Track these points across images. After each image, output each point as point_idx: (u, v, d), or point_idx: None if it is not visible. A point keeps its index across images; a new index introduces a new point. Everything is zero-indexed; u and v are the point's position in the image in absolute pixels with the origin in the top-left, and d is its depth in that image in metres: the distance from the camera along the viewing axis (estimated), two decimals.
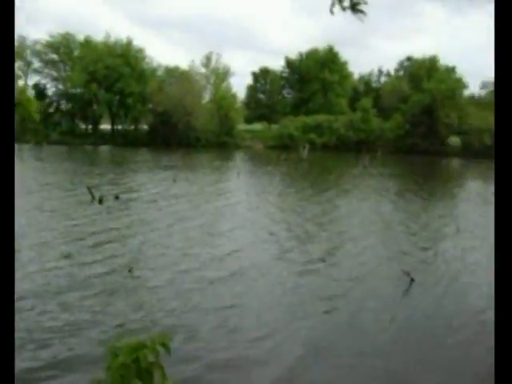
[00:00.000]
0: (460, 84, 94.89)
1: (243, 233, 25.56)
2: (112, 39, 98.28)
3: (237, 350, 12.78)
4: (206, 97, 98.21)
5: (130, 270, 18.28)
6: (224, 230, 26.22)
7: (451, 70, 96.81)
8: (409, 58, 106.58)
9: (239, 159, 74.11)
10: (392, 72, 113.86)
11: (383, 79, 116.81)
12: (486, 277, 18.85)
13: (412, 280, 17.80)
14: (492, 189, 47.41)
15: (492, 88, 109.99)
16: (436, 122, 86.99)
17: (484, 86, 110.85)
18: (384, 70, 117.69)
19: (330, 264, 20.41)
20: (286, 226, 27.38)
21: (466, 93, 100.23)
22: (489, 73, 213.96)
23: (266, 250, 22.18)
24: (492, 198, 40.46)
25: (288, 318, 14.89)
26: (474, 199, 40.55)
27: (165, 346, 3.17)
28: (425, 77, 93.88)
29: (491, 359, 12.10)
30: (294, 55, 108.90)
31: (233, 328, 13.96)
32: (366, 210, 33.08)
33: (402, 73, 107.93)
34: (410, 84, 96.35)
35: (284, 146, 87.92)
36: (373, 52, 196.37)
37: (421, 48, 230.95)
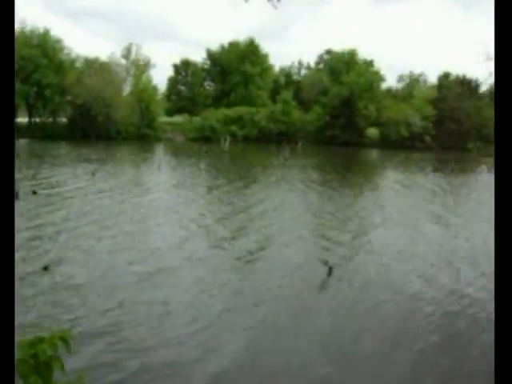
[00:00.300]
0: (378, 77, 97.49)
1: (170, 227, 25.08)
2: (28, 29, 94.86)
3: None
4: (127, 89, 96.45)
5: (45, 268, 17.64)
6: (150, 225, 25.64)
7: (369, 64, 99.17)
8: (328, 51, 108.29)
9: (160, 152, 73.44)
10: (312, 65, 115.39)
11: (303, 72, 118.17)
12: (414, 263, 19.81)
13: (330, 269, 17.99)
14: (409, 177, 49.23)
15: (408, 81, 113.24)
16: (355, 114, 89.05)
17: (400, 79, 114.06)
18: (304, 62, 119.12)
19: (258, 258, 20.55)
20: (213, 219, 27.16)
21: (384, 86, 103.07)
22: (405, 66, 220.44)
23: (194, 245, 21.89)
24: (410, 186, 41.91)
25: (209, 312, 14.91)
26: (393, 188, 41.83)
27: (64, 340, 3.16)
28: (344, 70, 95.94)
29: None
30: (215, 47, 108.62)
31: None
32: (293, 200, 33.43)
33: (321, 66, 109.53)
34: (330, 77, 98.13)
35: (205, 138, 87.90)
36: (294, 45, 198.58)
37: (340, 41, 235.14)
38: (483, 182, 51.16)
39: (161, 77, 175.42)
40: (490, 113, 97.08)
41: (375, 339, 13.37)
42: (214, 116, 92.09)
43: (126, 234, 23.17)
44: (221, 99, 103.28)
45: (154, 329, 13.41)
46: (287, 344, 12.90)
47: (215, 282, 17.06)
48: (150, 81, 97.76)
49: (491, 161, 78.07)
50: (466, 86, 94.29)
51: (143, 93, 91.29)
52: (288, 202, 32.43)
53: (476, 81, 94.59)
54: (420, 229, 26.71)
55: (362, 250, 22.05)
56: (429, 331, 13.87)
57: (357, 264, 19.91)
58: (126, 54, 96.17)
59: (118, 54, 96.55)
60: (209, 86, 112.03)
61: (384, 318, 14.63)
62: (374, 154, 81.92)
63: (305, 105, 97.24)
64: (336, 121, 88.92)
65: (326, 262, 18.24)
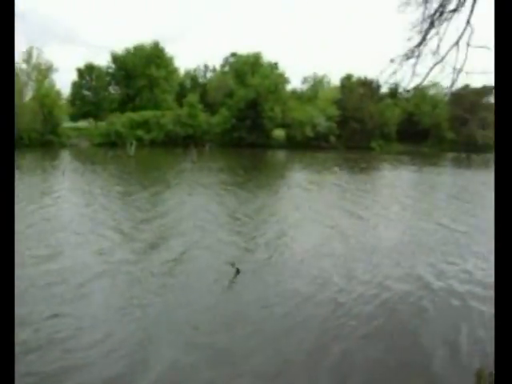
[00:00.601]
0: (282, 79, 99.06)
1: (68, 234, 24.40)
2: None
3: None
4: (29, 94, 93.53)
5: None
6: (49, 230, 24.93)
7: (274, 66, 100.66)
8: (233, 54, 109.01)
9: (65, 158, 71.62)
10: (218, 67, 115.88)
11: (209, 75, 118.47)
12: (317, 261, 20.24)
13: (238, 271, 18.20)
14: (317, 176, 50.40)
15: (312, 82, 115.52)
16: (261, 115, 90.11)
17: (305, 80, 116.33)
18: (210, 65, 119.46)
19: (153, 258, 20.41)
20: (112, 222, 26.66)
21: (289, 87, 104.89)
22: (308, 68, 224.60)
23: (87, 248, 21.49)
24: (320, 185, 42.80)
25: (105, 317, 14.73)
26: (304, 187, 42.62)
27: None
28: (249, 72, 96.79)
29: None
30: (120, 51, 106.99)
31: None
32: (205, 204, 33.22)
33: (227, 68, 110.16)
34: (236, 79, 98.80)
35: (111, 143, 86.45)
36: (199, 48, 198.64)
37: (245, 44, 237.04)
38: (387, 179, 53.24)
39: (64, 81, 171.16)
40: (390, 113, 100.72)
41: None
42: (119, 120, 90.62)
43: (41, 247, 22.57)
44: (126, 103, 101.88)
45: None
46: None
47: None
48: (52, 85, 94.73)
49: (393, 158, 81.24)
50: (368, 86, 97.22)
51: (46, 98, 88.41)
52: (200, 206, 32.27)
53: (377, 82, 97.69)
54: (335, 225, 27.48)
55: (279, 249, 22.30)
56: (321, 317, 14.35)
57: (273, 262, 20.24)
58: (27, 58, 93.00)
59: (18, 58, 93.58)
60: (114, 90, 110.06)
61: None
62: (281, 154, 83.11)
63: (211, 107, 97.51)
64: (242, 123, 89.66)
65: (233, 264, 18.36)
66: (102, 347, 12.62)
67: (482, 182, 52.95)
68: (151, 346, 12.77)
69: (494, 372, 6.79)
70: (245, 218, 28.85)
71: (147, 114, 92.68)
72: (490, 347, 12.57)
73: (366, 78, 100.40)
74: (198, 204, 33.14)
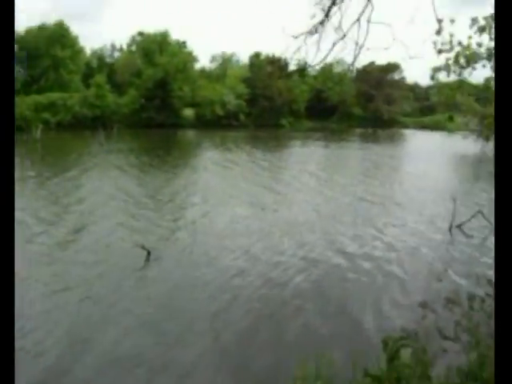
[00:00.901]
0: (191, 58, 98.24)
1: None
2: None
3: None
4: None
5: None
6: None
7: (182, 45, 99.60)
8: (141, 33, 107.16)
9: None
10: (125, 47, 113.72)
11: (117, 54, 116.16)
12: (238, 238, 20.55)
13: (149, 253, 18.19)
14: (228, 156, 50.74)
15: (220, 61, 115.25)
16: (170, 95, 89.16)
17: (213, 59, 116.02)
18: (117, 44, 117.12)
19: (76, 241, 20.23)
20: (29, 210, 25.78)
21: (197, 66, 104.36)
22: (217, 47, 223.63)
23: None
24: (230, 164, 43.06)
25: None
26: (215, 167, 42.90)
27: None
28: (157, 51, 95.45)
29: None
30: (22, 31, 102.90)
31: None
32: (110, 187, 32.68)
33: (134, 48, 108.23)
34: (143, 58, 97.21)
35: (16, 127, 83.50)
36: (106, 27, 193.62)
37: (153, 22, 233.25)
38: (300, 156, 54.48)
39: None
40: (298, 90, 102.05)
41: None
42: (24, 103, 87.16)
43: None
44: (31, 85, 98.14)
45: None
46: None
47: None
48: None
49: (303, 135, 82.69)
50: (276, 64, 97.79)
51: None
52: (106, 188, 31.87)
53: (285, 59, 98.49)
54: (256, 202, 28.11)
55: (185, 230, 22.37)
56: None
57: (180, 244, 20.30)
58: None
59: None
60: (18, 71, 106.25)
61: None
62: (191, 134, 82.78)
63: (119, 88, 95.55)
64: (151, 103, 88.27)
65: (143, 247, 18.36)
66: None
67: (389, 156, 55.29)
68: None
69: (400, 336, 6.98)
70: (161, 198, 29.00)
71: (53, 95, 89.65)
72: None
73: (274, 56, 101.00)
74: (106, 186, 32.76)
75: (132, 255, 18.29)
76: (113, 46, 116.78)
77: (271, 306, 14.24)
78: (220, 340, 12.35)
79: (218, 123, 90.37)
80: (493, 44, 24.75)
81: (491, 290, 15.25)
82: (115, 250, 19.33)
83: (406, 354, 6.44)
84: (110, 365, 11.20)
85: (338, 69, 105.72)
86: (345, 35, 9.62)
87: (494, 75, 25.92)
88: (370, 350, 9.92)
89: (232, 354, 11.73)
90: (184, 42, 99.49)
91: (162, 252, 18.99)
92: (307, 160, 50.06)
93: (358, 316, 13.70)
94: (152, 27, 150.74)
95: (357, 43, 9.60)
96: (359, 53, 9.78)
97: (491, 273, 16.83)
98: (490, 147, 59.40)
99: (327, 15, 9.77)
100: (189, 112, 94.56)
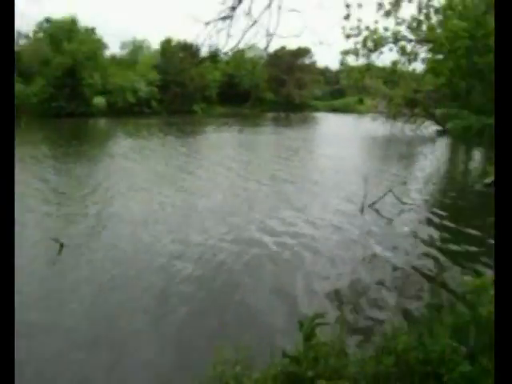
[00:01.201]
0: (100, 45, 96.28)
1: None
2: None
3: None
4: None
5: None
6: None
7: (91, 31, 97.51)
8: (48, 20, 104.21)
9: None
10: (31, 34, 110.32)
11: (23, 42, 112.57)
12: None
13: (62, 245, 17.55)
14: (143, 143, 50.53)
15: (131, 48, 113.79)
16: (80, 83, 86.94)
17: (124, 46, 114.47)
18: (23, 31, 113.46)
19: None
20: None
21: (107, 53, 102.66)
22: (127, 33, 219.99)
23: None
24: (147, 152, 42.78)
25: None
26: (131, 155, 41.92)
27: None
28: (65, 38, 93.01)
29: None
30: None
31: None
32: (31, 178, 31.05)
33: (41, 35, 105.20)
34: (51, 46, 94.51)
35: None
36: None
37: (60, 9, 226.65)
38: (214, 141, 55.14)
39: None
40: (210, 76, 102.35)
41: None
42: None
43: None
44: None
45: None
46: None
47: None
48: None
49: (216, 120, 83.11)
50: (188, 50, 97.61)
51: None
52: (29, 181, 30.60)
53: (197, 45, 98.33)
54: (167, 192, 27.61)
55: (108, 221, 21.87)
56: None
57: (102, 235, 19.87)
58: None
59: None
60: None
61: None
62: (102, 122, 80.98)
63: (26, 77, 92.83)
64: (61, 92, 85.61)
65: (57, 240, 17.64)
66: None
67: (303, 139, 56.75)
68: None
69: (315, 314, 6.89)
70: (72, 191, 28.17)
71: None
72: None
73: (185, 42, 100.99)
74: (31, 180, 31.31)
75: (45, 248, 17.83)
76: (18, 33, 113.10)
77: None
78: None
79: (129, 111, 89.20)
80: (398, 28, 25.87)
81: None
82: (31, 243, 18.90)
83: (323, 332, 6.73)
84: None
85: (250, 54, 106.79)
86: (256, 21, 9.73)
87: (400, 58, 26.99)
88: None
89: None
90: (93, 29, 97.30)
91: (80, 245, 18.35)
92: (224, 145, 50.43)
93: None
94: (60, 14, 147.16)
95: (267, 30, 9.77)
96: (271, 39, 10.03)
97: (400, 240, 18.79)
98: (397, 128, 62.20)
99: (239, 1, 9.88)
100: (100, 100, 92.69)
